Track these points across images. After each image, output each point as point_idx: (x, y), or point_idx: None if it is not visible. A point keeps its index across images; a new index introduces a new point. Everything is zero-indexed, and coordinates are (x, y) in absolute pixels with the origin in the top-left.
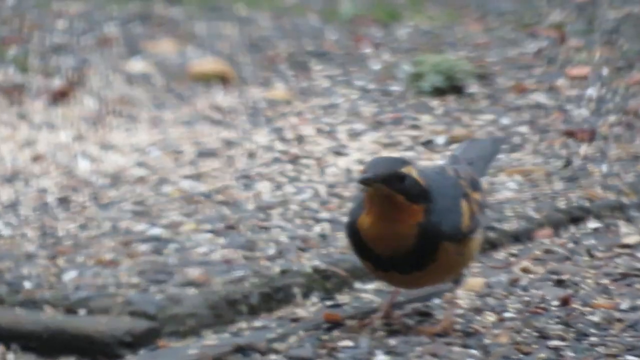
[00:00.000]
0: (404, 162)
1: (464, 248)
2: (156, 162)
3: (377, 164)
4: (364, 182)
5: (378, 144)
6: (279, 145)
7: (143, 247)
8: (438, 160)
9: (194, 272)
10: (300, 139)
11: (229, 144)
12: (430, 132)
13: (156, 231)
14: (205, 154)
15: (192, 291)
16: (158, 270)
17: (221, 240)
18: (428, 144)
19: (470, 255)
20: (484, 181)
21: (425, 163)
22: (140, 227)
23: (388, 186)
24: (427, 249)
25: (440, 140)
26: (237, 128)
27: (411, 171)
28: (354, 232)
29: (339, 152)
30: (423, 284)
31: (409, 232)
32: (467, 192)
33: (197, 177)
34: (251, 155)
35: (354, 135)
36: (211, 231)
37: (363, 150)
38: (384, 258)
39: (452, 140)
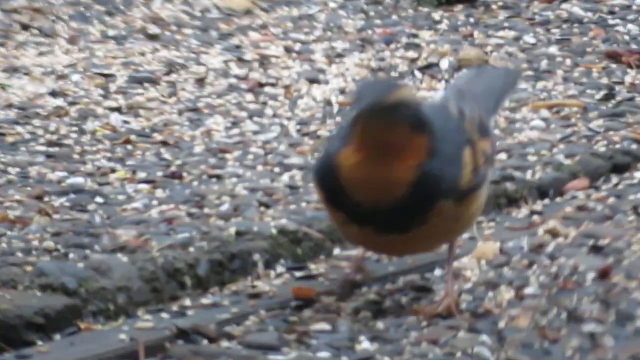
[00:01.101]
0: (399, 85)
1: (463, 210)
2: (77, 90)
3: (369, 89)
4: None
5: (365, 67)
6: (236, 69)
7: (60, 202)
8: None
9: (126, 234)
10: (263, 61)
11: (171, 66)
12: (433, 54)
13: (77, 181)
14: (141, 79)
15: (122, 259)
16: (79, 231)
17: (160, 193)
18: (429, 69)
19: (469, 220)
20: (497, 120)
21: (424, 95)
22: (56, 175)
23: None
24: (418, 205)
25: (445, 64)
26: (182, 46)
27: (410, 94)
28: (330, 170)
29: (313, 79)
30: (403, 251)
31: (404, 176)
32: (473, 138)
33: (129, 109)
34: (200, 81)
35: (334, 56)
36: (148, 181)
37: (345, 76)
38: (364, 208)
39: (460, 65)
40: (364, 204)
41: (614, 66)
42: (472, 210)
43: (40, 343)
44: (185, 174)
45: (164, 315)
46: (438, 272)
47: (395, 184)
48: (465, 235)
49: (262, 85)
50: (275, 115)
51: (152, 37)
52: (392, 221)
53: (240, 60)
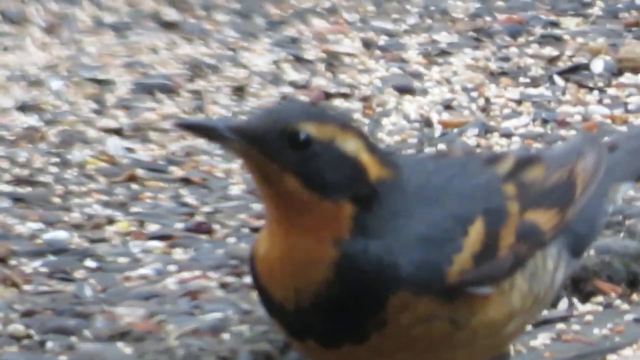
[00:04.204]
0: (325, 115)
1: (460, 312)
2: (58, 103)
3: (264, 113)
4: (208, 133)
5: (480, 70)
6: (292, 73)
7: (33, 266)
8: None
9: (130, 314)
10: (332, 61)
11: (196, 68)
12: (580, 51)
13: (58, 235)
14: (151, 87)
15: (125, 349)
16: (61, 309)
17: (180, 254)
18: (575, 73)
19: (487, 331)
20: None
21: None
22: (27, 227)
23: (264, 153)
24: (358, 295)
25: (599, 65)
26: (212, 38)
27: (340, 136)
28: (250, 260)
29: (405, 87)
30: None
31: (318, 253)
32: (503, 206)
33: (135, 131)
34: (238, 90)
35: (436, 54)
36: (161, 236)
37: (451, 84)
38: (287, 308)
39: (621, 67)
40: (284, 302)
41: None
42: (488, 315)
43: None
44: (216, 226)
45: None
46: None
47: (309, 264)
48: None
49: (329, 97)
50: None
51: (169, 26)
52: (332, 323)
53: (298, 60)
